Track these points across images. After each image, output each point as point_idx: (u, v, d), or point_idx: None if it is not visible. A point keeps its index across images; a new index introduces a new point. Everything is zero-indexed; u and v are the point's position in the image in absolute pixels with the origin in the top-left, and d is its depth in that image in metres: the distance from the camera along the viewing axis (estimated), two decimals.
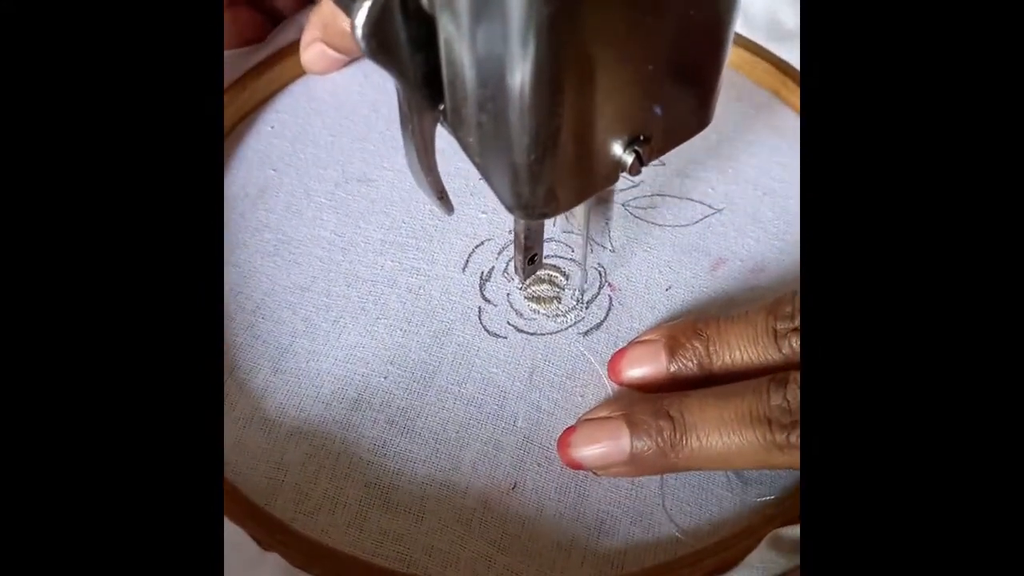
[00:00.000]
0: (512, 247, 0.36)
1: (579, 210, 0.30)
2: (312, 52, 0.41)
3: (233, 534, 0.27)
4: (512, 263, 0.35)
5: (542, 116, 0.21)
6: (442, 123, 0.25)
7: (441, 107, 0.24)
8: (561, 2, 0.19)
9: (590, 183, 0.25)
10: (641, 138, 0.24)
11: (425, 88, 0.24)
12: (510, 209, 0.25)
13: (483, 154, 0.24)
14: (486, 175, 0.24)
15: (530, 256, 0.31)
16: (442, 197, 0.28)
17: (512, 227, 0.36)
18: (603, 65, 0.21)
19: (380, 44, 0.22)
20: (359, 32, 0.21)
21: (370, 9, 0.21)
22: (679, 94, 0.24)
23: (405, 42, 0.22)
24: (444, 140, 0.26)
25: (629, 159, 0.24)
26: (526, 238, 0.30)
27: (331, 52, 0.41)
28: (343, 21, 0.39)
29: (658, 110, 0.24)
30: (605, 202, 0.32)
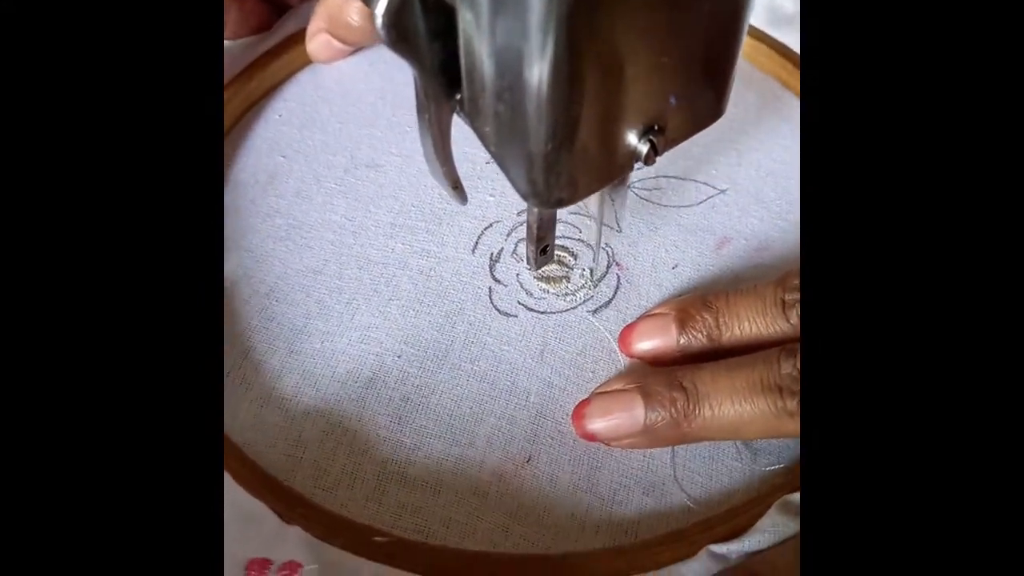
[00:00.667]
0: (520, 229, 0.37)
1: (593, 196, 0.31)
2: (317, 42, 0.42)
3: (255, 508, 0.28)
4: (520, 244, 0.36)
5: (559, 106, 0.21)
6: (458, 113, 0.25)
7: (458, 96, 0.25)
8: None
9: (605, 172, 0.25)
10: (656, 128, 0.24)
11: (442, 77, 0.24)
12: (525, 197, 0.25)
13: (499, 143, 0.24)
14: (502, 164, 0.25)
15: (542, 246, 0.31)
16: (456, 187, 0.28)
17: (520, 209, 0.37)
18: (620, 56, 0.21)
19: (400, 34, 0.22)
20: (379, 22, 0.22)
21: (390, 0, 0.21)
22: (694, 85, 0.24)
23: (424, 32, 0.23)
24: (453, 126, 0.26)
25: (644, 149, 0.24)
26: (538, 228, 0.30)
27: (336, 42, 0.41)
28: (348, 13, 0.40)
29: (673, 100, 0.24)
30: (620, 187, 0.32)
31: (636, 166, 0.25)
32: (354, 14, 0.39)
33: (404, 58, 0.23)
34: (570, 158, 0.23)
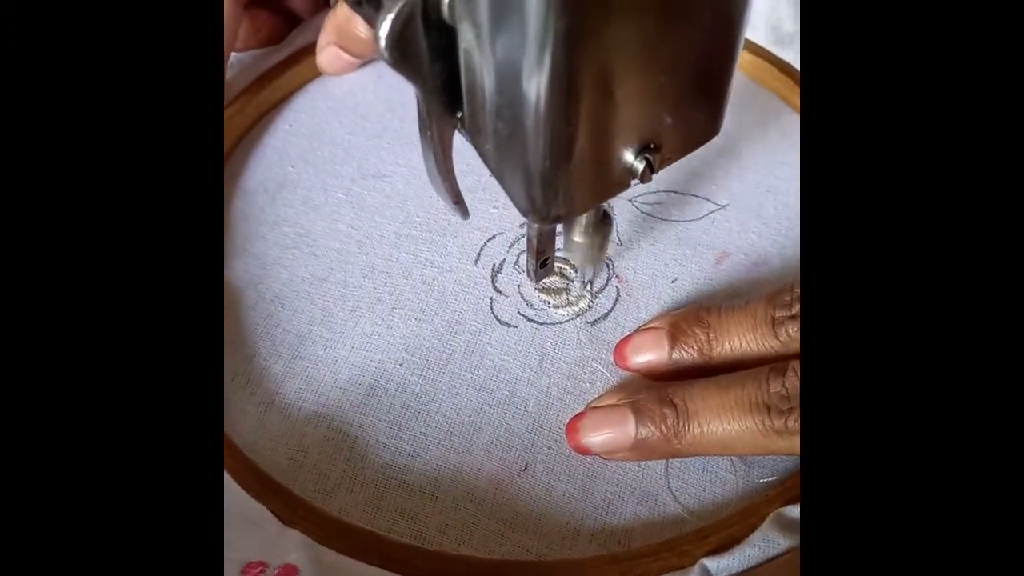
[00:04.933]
0: (522, 240, 0.37)
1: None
2: (327, 54, 0.42)
3: (255, 511, 0.28)
4: (522, 256, 0.37)
5: (556, 124, 0.22)
6: (460, 130, 0.26)
7: (459, 114, 0.25)
8: (577, 15, 0.19)
9: (602, 189, 0.26)
10: (652, 146, 0.25)
11: (444, 96, 0.25)
12: (524, 213, 0.26)
13: (499, 160, 0.25)
14: (501, 180, 0.25)
15: (542, 260, 0.32)
16: (458, 202, 0.29)
17: (522, 221, 0.38)
18: (616, 75, 0.22)
19: (402, 54, 0.23)
20: (382, 43, 0.22)
21: (393, 21, 0.22)
22: (690, 104, 0.25)
23: (426, 52, 0.23)
24: (456, 139, 0.27)
25: (640, 166, 0.25)
26: (538, 242, 0.31)
27: (345, 55, 0.42)
28: (357, 26, 0.41)
29: (669, 119, 0.25)
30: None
31: (633, 183, 0.26)
32: (362, 27, 0.40)
33: (406, 77, 0.24)
34: (567, 175, 0.24)
